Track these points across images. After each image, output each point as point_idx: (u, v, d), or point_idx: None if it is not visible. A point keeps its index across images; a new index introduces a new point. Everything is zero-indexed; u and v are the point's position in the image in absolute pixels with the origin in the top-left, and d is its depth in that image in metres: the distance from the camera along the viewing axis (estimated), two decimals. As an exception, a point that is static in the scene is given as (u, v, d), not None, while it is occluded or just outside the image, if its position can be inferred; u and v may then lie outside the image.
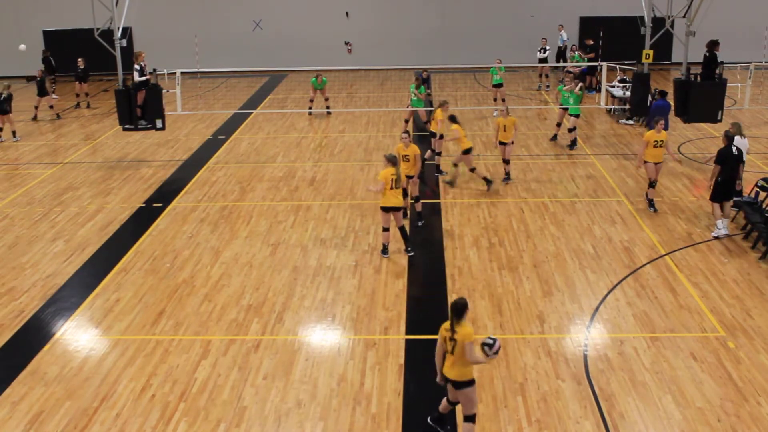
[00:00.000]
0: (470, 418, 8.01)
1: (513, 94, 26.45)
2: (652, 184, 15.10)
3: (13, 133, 22.04)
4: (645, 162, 14.98)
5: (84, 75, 26.34)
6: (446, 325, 7.92)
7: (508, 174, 16.98)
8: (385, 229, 12.97)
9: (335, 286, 12.15)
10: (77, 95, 26.96)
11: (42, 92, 24.34)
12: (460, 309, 7.82)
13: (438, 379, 8.23)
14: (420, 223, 14.45)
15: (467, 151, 16.09)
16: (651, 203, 15.10)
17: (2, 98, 21.23)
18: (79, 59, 26.26)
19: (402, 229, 13.11)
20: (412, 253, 13.13)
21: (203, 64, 31.71)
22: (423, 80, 21.02)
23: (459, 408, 8.28)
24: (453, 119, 16.38)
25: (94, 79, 31.51)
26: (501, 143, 16.91)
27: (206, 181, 17.70)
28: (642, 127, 21.79)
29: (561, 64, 29.63)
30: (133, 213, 15.74)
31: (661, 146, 14.86)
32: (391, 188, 12.53)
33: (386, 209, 12.75)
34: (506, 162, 16.97)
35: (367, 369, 9.78)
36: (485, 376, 9.53)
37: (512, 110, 23.55)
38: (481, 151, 19.36)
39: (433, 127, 17.71)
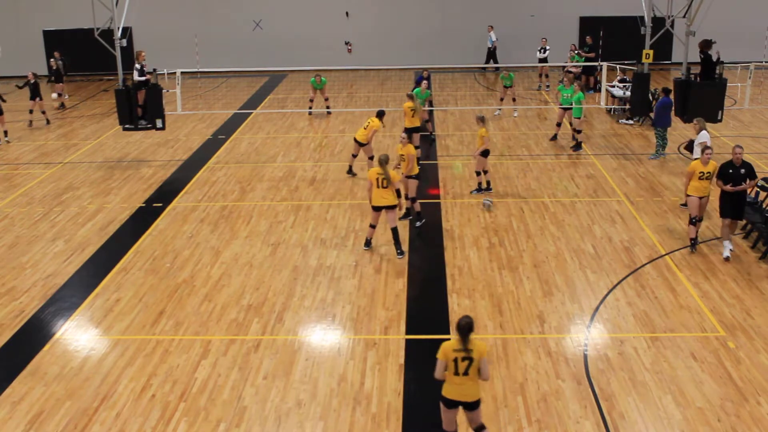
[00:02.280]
0: (484, 425, 7.90)
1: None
2: (692, 221, 13.05)
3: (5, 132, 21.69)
4: (687, 196, 13.07)
5: (59, 75, 26.25)
6: (453, 345, 7.50)
7: (479, 185, 16.26)
8: (372, 226, 13.28)
9: (335, 286, 12.15)
10: (59, 95, 26.86)
11: (35, 95, 23.28)
12: (469, 327, 7.45)
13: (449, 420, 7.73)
14: (418, 224, 14.43)
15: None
16: (693, 243, 13.08)
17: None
18: (52, 60, 26.26)
19: (394, 230, 13.07)
20: (402, 256, 13.10)
21: (203, 64, 31.72)
22: (424, 80, 21.05)
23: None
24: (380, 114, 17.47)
25: (94, 79, 31.60)
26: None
27: (206, 181, 17.70)
28: (641, 127, 21.81)
29: (492, 65, 30.05)
30: (133, 213, 15.74)
31: (708, 178, 12.88)
32: (378, 187, 12.70)
33: (375, 208, 12.97)
34: (476, 173, 16.27)
35: (367, 369, 9.78)
36: (485, 376, 9.53)
37: (516, 110, 23.65)
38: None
39: (407, 124, 18.20)
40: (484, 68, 31.48)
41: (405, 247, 13.48)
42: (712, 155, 12.94)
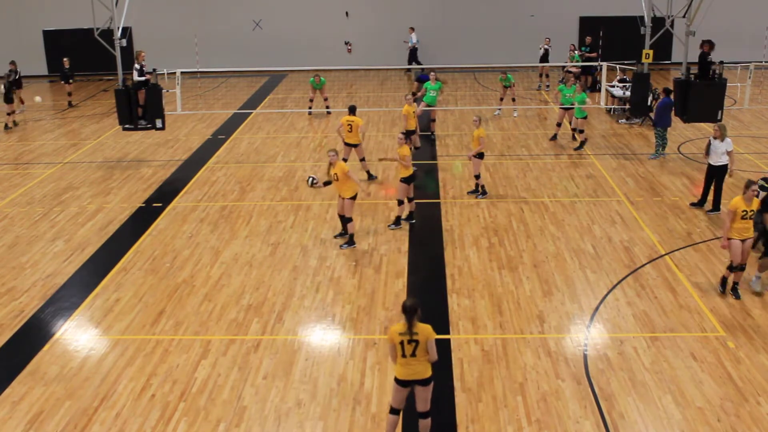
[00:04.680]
0: (429, 413, 8.11)
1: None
2: (732, 267, 11.35)
3: None
4: (728, 239, 11.22)
5: (71, 74, 26.24)
6: (399, 329, 7.75)
7: (477, 188, 16.07)
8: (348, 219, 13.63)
9: (335, 286, 12.15)
10: (69, 94, 26.84)
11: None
12: (414, 310, 7.71)
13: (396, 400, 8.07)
14: (391, 227, 14.34)
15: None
16: (734, 289, 11.41)
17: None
18: (65, 59, 26.24)
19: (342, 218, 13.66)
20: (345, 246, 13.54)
21: (203, 64, 31.71)
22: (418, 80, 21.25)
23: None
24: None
25: (94, 79, 31.59)
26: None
27: (206, 181, 17.70)
28: (641, 127, 21.80)
29: (413, 66, 30.36)
30: (133, 213, 15.74)
31: (751, 218, 11.14)
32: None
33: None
34: (476, 176, 16.03)
35: (367, 369, 9.78)
36: (485, 376, 9.53)
37: (516, 110, 23.65)
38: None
39: (410, 126, 18.27)
40: (408, 69, 31.72)
41: (405, 247, 13.50)
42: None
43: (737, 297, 11.35)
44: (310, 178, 13.95)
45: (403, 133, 14.28)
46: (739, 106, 23.26)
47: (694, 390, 9.15)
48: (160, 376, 9.75)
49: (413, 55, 31.19)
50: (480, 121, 15.72)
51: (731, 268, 11.36)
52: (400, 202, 14.29)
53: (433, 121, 21.37)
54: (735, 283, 11.44)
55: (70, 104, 26.80)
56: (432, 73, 20.83)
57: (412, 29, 31.14)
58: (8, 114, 23.42)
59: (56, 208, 16.14)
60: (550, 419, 8.68)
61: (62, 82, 26.80)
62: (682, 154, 18.96)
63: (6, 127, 23.29)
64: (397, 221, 14.35)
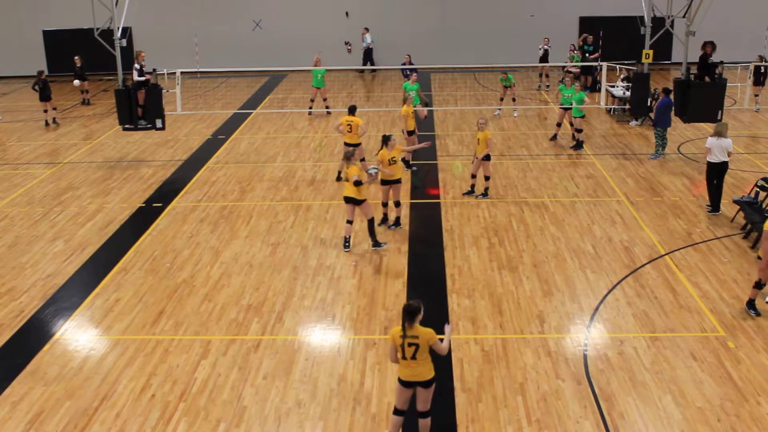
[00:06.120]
0: (429, 413, 8.09)
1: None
2: (759, 285, 10.84)
3: None
4: (759, 258, 10.85)
5: (82, 73, 26.32)
6: (400, 330, 7.74)
7: (472, 188, 16.08)
8: (349, 222, 13.40)
9: (335, 286, 12.15)
10: (82, 92, 26.88)
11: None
12: (411, 312, 7.68)
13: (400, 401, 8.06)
14: (392, 227, 14.31)
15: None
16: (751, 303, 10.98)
17: None
18: (76, 57, 26.25)
19: (370, 221, 13.37)
20: (377, 247, 13.34)
21: (203, 64, 31.69)
22: (407, 70, 21.17)
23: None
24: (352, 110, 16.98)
25: (93, 79, 31.57)
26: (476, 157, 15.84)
27: (206, 181, 17.70)
28: (641, 127, 21.79)
29: (367, 67, 30.42)
30: (133, 213, 15.74)
31: None
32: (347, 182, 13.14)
33: (346, 199, 13.25)
34: (473, 176, 16.08)
35: (367, 369, 9.78)
36: (485, 376, 9.53)
37: (516, 110, 23.64)
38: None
39: (409, 126, 18.14)
40: (361, 70, 31.79)
41: (405, 247, 13.50)
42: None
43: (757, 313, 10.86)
44: (372, 169, 13.58)
45: (385, 135, 14.01)
46: (739, 106, 23.27)
47: (694, 390, 9.15)
48: (160, 376, 9.75)
49: (368, 56, 31.39)
50: (486, 123, 15.65)
51: (758, 285, 10.82)
52: (397, 203, 14.28)
53: (424, 118, 21.40)
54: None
55: (83, 101, 26.97)
56: (414, 74, 20.76)
57: (367, 30, 31.44)
58: (44, 111, 23.81)
59: (56, 208, 16.14)
60: (550, 419, 8.68)
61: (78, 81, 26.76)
62: (682, 154, 18.96)
63: (47, 123, 23.76)
64: (397, 222, 14.36)
